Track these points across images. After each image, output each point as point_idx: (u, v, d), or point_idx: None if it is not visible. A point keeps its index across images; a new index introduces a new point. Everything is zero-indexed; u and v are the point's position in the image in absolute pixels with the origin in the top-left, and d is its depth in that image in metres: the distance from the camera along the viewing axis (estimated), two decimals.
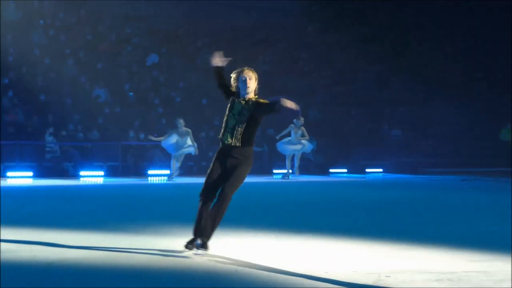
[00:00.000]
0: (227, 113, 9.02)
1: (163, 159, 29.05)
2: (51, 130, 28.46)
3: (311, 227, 12.17)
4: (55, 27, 33.97)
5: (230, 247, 9.73)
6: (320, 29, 37.18)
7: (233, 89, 9.07)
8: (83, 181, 25.49)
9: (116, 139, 29.29)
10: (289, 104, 8.82)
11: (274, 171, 29.12)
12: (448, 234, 11.96)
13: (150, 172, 28.06)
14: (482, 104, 36.21)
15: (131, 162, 29.23)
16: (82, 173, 27.06)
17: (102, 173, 27.45)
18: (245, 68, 8.98)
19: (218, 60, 9.06)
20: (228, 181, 8.82)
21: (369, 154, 30.35)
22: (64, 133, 29.05)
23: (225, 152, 8.96)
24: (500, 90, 37.26)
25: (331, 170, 30.61)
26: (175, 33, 35.26)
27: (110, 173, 27.78)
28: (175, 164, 25.80)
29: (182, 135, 25.18)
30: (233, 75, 9.04)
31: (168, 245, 9.82)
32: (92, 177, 26.75)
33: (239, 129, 8.91)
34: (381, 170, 31.25)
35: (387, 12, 37.52)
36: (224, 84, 9.07)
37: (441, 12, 38.36)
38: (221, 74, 9.06)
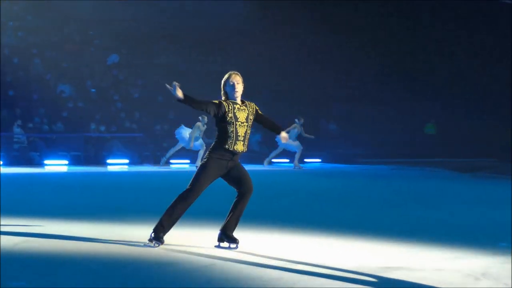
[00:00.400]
0: (230, 122, 8.29)
1: (122, 149, 28.95)
2: (19, 122, 28.15)
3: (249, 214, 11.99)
4: (24, 29, 33.60)
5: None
6: (266, 31, 37.06)
7: (222, 97, 8.50)
8: (47, 169, 25.19)
9: (79, 131, 29.12)
10: (284, 140, 8.78)
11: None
12: (372, 222, 11.92)
13: (109, 161, 27.96)
14: (409, 104, 36.41)
15: (92, 152, 28.99)
16: (46, 162, 26.76)
17: (66, 162, 27.17)
18: (232, 72, 8.49)
19: (179, 93, 8.06)
20: (249, 181, 8.39)
21: (309, 146, 30.31)
22: (31, 125, 28.87)
23: (228, 158, 8.35)
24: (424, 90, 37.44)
25: (274, 160, 30.54)
26: (134, 35, 34.92)
27: (73, 162, 27.49)
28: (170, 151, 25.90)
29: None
30: (222, 81, 8.49)
31: (133, 234, 9.60)
32: (56, 166, 26.47)
33: (248, 135, 8.48)
34: (319, 160, 31.38)
35: (321, 13, 37.38)
36: (202, 105, 8.27)
37: (370, 16, 38.36)
38: (193, 100, 8.18)
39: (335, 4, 37.82)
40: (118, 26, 34.71)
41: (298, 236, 9.51)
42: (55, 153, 27.54)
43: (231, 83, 8.39)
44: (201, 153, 25.67)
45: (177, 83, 8.05)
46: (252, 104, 8.58)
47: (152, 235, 8.31)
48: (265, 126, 8.74)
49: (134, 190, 17.06)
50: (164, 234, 8.33)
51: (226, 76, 8.46)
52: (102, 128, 29.98)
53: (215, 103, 8.32)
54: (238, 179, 8.32)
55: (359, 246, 8.77)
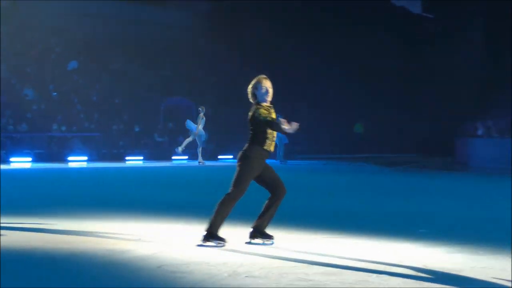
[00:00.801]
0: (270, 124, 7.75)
1: (81, 147, 28.70)
2: None
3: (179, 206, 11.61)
4: None
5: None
6: (211, 41, 36.94)
7: (250, 100, 7.91)
8: (13, 165, 24.79)
9: (42, 131, 28.79)
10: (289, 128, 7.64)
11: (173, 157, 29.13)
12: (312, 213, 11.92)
13: (69, 158, 27.68)
14: (339, 104, 36.55)
15: (54, 150, 28.67)
16: (12, 159, 26.35)
17: (30, 159, 26.81)
18: (262, 77, 7.86)
19: (290, 127, 7.52)
20: (282, 182, 7.93)
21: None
22: None
23: (265, 158, 7.86)
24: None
25: (219, 157, 30.58)
26: (91, 43, 34.50)
27: (36, 159, 27.13)
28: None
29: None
30: (252, 83, 7.89)
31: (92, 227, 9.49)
32: (21, 162, 26.07)
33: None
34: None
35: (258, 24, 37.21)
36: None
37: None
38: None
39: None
40: (77, 35, 34.29)
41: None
42: (20, 151, 27.15)
43: (264, 88, 7.81)
44: (200, 150, 25.38)
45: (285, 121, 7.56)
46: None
47: (212, 235, 7.64)
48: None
49: (92, 184, 16.91)
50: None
51: (255, 80, 7.87)
52: (64, 128, 29.74)
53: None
54: (272, 180, 7.83)
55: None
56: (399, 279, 6.05)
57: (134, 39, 35.14)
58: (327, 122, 35.35)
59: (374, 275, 6.18)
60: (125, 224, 9.31)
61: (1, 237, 7.99)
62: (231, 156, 30.03)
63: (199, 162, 25.56)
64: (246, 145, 7.80)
